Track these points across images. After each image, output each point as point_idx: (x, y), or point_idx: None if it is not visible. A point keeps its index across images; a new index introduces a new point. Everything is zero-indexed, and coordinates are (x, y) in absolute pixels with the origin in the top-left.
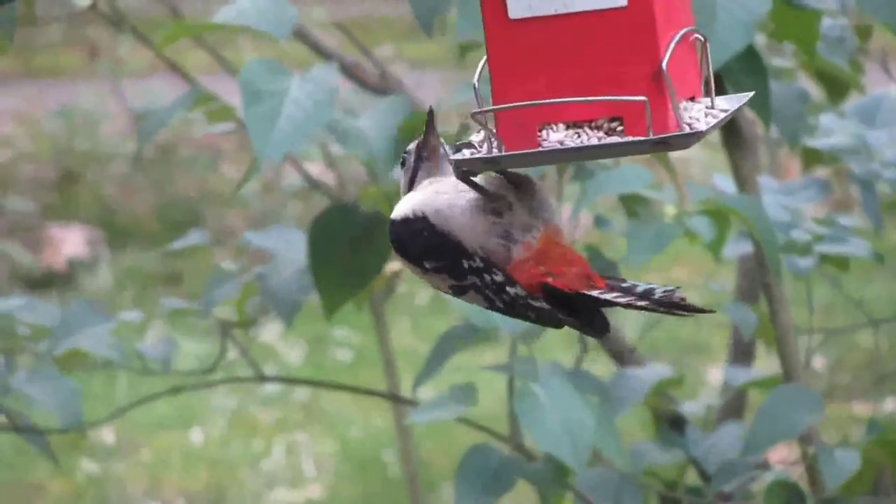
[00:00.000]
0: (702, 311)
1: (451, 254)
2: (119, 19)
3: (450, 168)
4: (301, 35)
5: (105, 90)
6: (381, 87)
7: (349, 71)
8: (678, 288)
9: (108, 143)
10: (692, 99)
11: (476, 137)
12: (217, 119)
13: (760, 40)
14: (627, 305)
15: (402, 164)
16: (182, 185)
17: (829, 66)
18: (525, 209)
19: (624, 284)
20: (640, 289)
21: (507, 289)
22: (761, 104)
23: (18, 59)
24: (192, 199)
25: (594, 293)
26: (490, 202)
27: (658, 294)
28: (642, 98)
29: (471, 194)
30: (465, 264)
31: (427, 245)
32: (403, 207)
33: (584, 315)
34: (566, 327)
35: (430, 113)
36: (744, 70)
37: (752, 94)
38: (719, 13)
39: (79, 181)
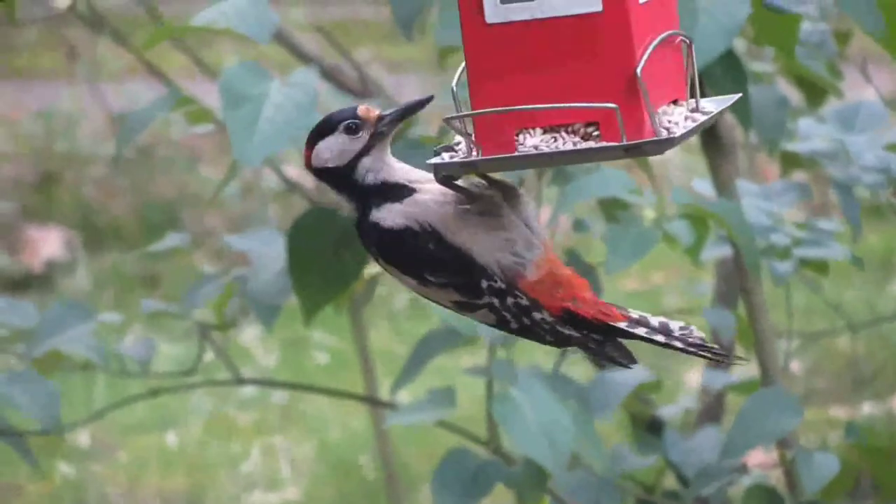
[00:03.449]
0: (723, 356)
1: (465, 271)
2: (98, 21)
3: (391, 160)
4: (281, 37)
5: (84, 92)
6: (360, 89)
7: (328, 73)
8: (691, 327)
9: (86, 145)
10: (675, 102)
11: (460, 141)
12: (196, 121)
13: (740, 45)
14: (650, 340)
15: (350, 130)
16: (161, 187)
17: (808, 71)
18: (521, 221)
19: (634, 315)
20: (654, 322)
21: (534, 314)
22: (741, 108)
23: None
24: (170, 200)
25: (622, 325)
26: (491, 213)
27: (677, 332)
28: (612, 105)
29: (477, 207)
30: (485, 284)
31: (434, 259)
32: (393, 216)
33: (605, 344)
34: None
35: (421, 103)
36: (724, 74)
37: (736, 97)
38: (701, 16)
39: (58, 182)
